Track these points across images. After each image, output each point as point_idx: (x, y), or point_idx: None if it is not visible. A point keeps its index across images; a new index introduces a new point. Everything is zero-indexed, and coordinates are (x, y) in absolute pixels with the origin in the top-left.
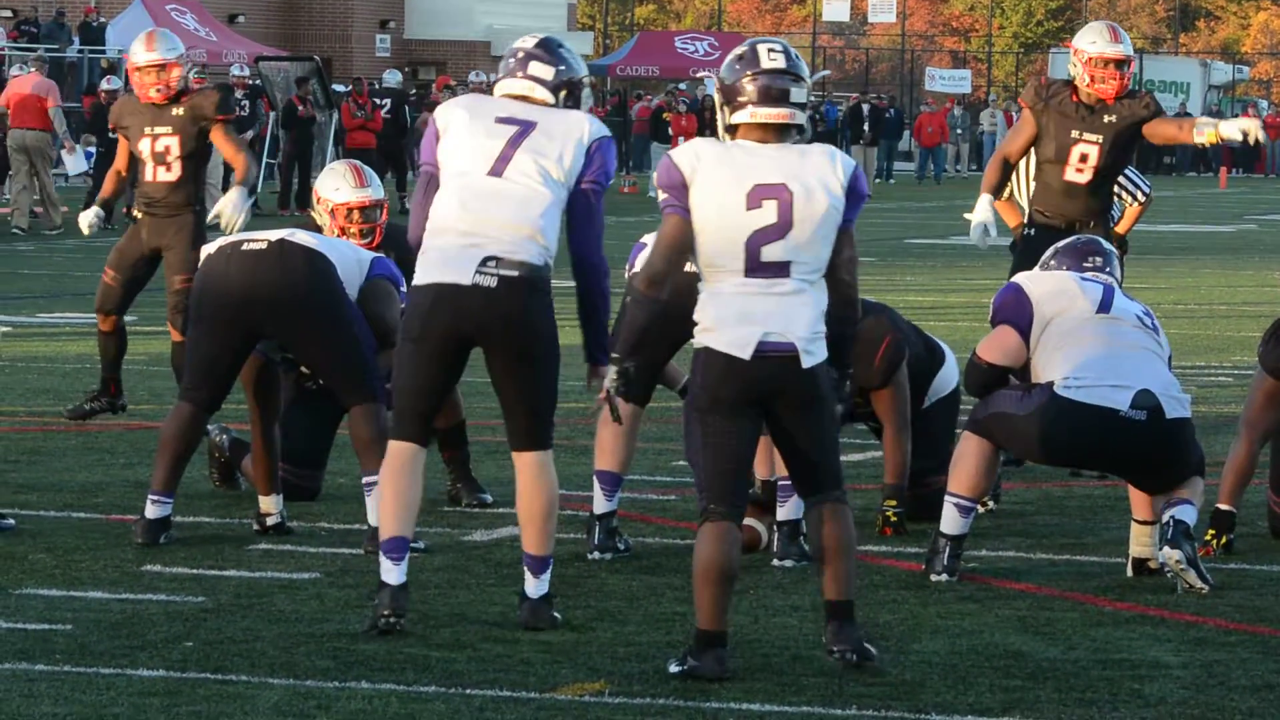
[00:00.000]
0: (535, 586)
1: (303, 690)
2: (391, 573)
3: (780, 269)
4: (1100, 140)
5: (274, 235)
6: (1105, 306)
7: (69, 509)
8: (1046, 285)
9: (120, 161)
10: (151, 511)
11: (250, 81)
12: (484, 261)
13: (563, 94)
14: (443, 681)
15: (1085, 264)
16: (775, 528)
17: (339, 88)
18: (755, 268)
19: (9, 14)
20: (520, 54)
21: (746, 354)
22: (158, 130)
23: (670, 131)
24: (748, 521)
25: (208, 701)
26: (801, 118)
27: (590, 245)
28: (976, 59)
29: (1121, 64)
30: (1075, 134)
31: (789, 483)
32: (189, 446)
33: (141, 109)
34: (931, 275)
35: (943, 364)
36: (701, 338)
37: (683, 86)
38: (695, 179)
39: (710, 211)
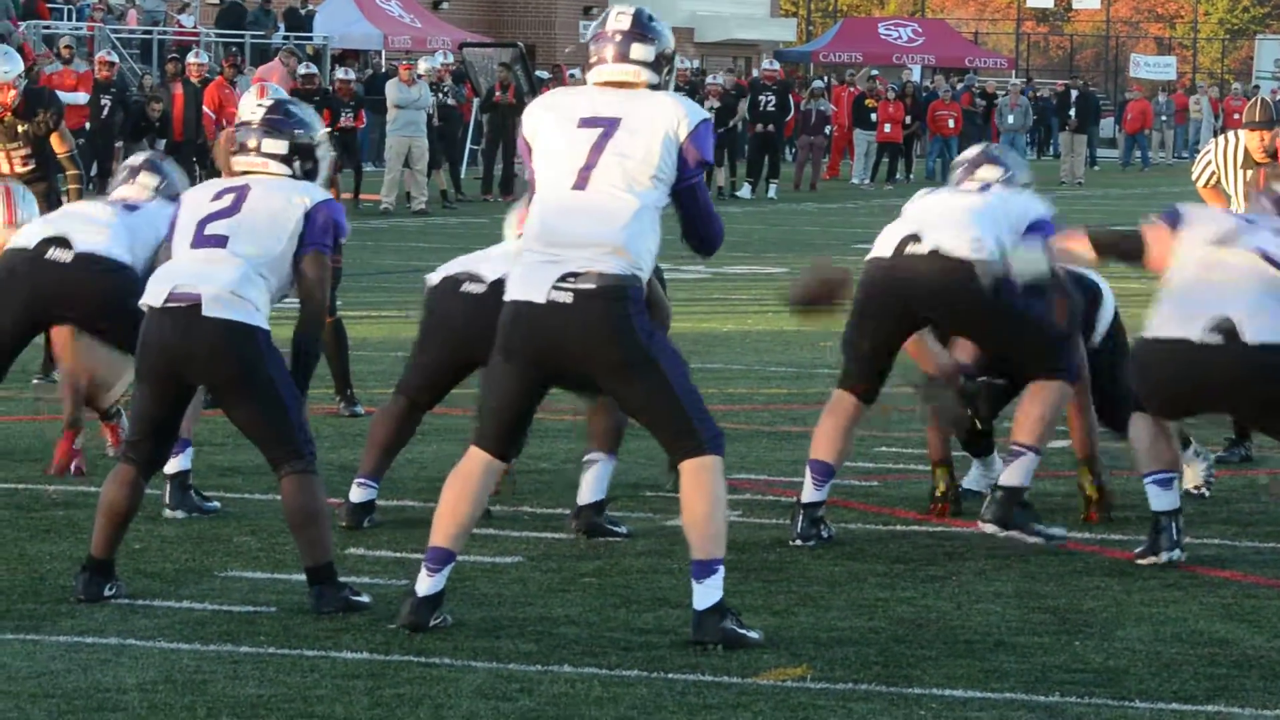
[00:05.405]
0: (701, 595)
1: (505, 673)
2: (424, 582)
3: None
4: None
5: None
6: (1227, 239)
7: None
8: (1202, 208)
9: None
10: (356, 495)
11: (454, 67)
12: (562, 278)
13: (664, 71)
14: (645, 665)
15: None
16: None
17: (542, 74)
18: None
19: (216, 0)
20: (617, 35)
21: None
22: None
23: (875, 119)
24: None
25: (411, 684)
26: None
27: (711, 242)
28: (1182, 45)
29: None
30: None
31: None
32: (401, 437)
33: None
34: None
35: (1101, 299)
36: None
37: (875, 73)
38: None
39: None
